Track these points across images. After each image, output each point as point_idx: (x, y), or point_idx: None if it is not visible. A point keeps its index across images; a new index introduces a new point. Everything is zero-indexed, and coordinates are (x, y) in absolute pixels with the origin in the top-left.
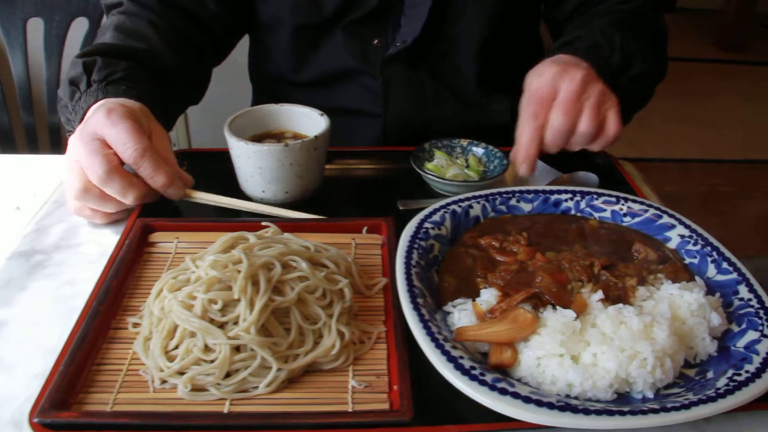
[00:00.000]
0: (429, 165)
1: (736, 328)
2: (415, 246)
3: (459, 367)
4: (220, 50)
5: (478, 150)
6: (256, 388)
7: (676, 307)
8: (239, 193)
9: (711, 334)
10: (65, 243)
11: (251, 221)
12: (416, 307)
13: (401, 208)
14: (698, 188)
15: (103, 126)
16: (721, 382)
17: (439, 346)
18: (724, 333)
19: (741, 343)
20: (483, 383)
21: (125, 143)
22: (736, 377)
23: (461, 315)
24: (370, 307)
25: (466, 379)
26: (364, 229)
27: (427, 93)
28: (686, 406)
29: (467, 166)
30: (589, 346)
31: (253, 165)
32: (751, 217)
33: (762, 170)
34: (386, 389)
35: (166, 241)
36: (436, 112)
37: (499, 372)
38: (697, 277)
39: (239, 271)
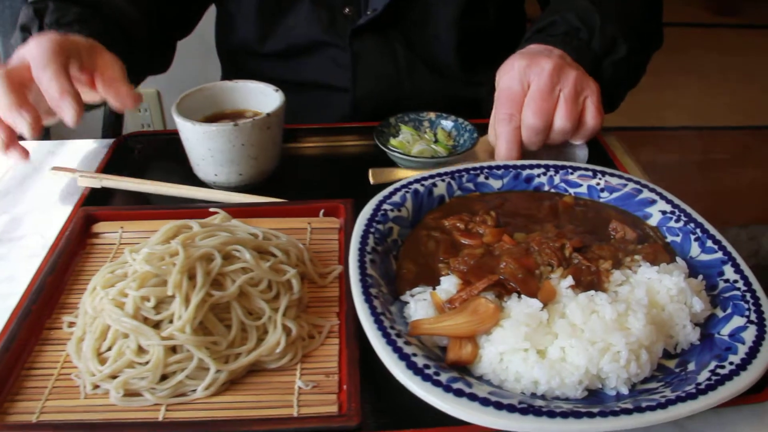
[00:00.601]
0: (394, 141)
1: (720, 314)
2: (372, 230)
3: (411, 366)
4: (185, 20)
5: (447, 123)
6: (194, 391)
7: (654, 293)
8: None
9: (693, 320)
10: (6, 236)
11: (199, 207)
12: (368, 298)
13: (372, 181)
14: (690, 156)
15: (28, 47)
16: (703, 376)
17: (390, 342)
18: (707, 319)
19: (726, 330)
20: (437, 384)
21: (34, 57)
22: (719, 370)
23: (418, 306)
24: (324, 298)
25: (419, 380)
26: (321, 212)
27: (401, 66)
28: (663, 405)
29: (435, 141)
30: (557, 339)
31: (203, 147)
32: (745, 185)
33: (756, 136)
34: (336, 389)
35: (111, 232)
36: (411, 86)
37: (457, 370)
38: (678, 258)
39: (176, 264)
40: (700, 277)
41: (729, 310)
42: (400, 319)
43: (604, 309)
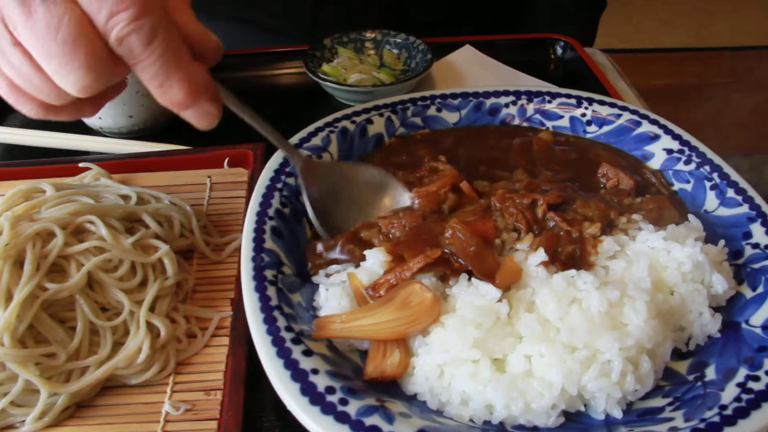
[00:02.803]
0: (326, 67)
1: (748, 293)
2: (279, 186)
3: (307, 390)
4: None
5: (396, 43)
6: (23, 423)
7: (660, 269)
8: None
9: (712, 303)
10: None
11: (69, 161)
12: (260, 286)
13: None
14: (688, 80)
15: None
16: (729, 393)
17: (282, 353)
18: (730, 300)
19: (757, 318)
20: (342, 418)
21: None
22: (751, 384)
23: (330, 293)
24: (218, 279)
25: (316, 412)
26: (225, 162)
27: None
28: None
29: (381, 66)
30: (521, 344)
31: None
32: (747, 110)
33: (760, 57)
34: (217, 413)
35: None
36: None
37: (379, 390)
38: (691, 216)
39: None
40: (722, 242)
41: (760, 289)
42: (306, 314)
43: (590, 297)
